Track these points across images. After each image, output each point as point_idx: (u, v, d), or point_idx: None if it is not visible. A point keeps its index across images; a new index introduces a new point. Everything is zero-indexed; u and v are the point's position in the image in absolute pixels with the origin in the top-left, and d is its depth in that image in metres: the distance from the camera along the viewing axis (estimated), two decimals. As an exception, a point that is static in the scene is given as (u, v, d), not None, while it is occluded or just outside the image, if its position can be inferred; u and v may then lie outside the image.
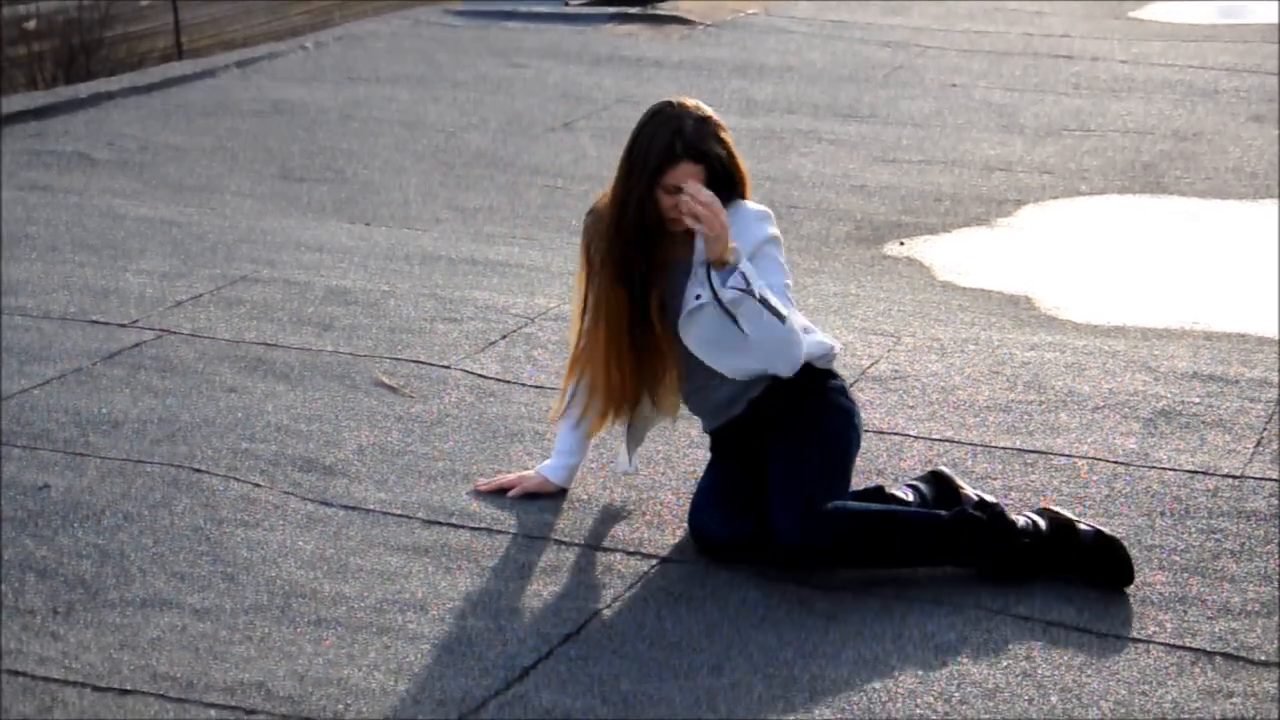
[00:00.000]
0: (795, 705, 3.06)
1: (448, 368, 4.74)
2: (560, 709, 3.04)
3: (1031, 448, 4.16)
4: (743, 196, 3.63)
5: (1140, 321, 5.55)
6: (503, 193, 7.38)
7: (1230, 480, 3.94)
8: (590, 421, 3.77)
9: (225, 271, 5.64)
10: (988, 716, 3.02)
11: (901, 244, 6.59)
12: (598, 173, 7.71)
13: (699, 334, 3.57)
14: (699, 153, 3.51)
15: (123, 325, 5.01)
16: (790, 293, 3.58)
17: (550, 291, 5.59)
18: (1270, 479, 3.93)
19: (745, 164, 3.64)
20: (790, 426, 3.58)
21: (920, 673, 3.16)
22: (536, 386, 4.60)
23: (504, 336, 4.99)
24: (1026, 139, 8.26)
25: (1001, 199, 7.22)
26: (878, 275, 6.10)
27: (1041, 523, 3.48)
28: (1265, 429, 4.24)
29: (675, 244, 3.60)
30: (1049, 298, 5.85)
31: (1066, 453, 4.12)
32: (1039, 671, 3.17)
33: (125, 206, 6.82)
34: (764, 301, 3.43)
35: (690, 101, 3.57)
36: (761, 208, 3.65)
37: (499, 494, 3.88)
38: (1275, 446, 4.13)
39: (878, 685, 3.12)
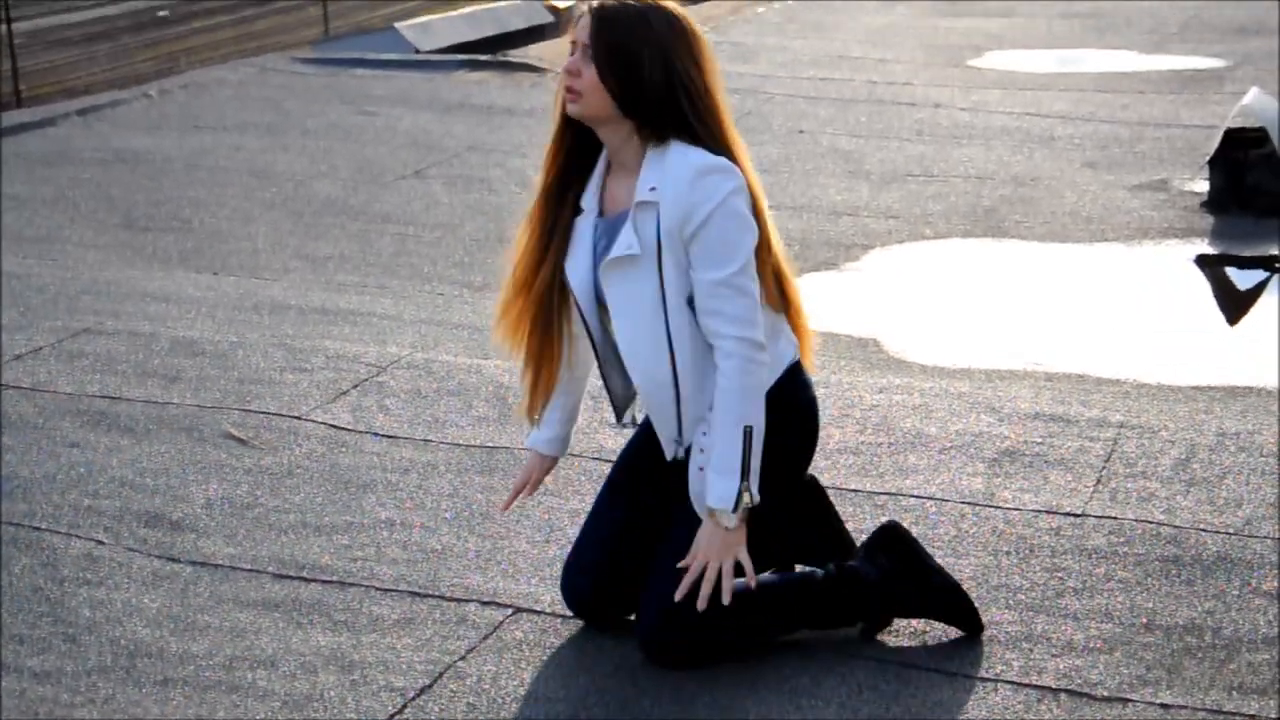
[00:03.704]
0: (652, 753, 3.05)
1: (298, 418, 4.68)
2: (415, 764, 3.01)
3: (882, 489, 4.22)
4: (689, 133, 3.03)
5: (984, 363, 5.67)
6: (353, 241, 7.33)
7: (1072, 518, 4.03)
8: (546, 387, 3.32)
9: (67, 324, 5.51)
10: (842, 758, 3.05)
11: (752, 289, 6.66)
12: (449, 220, 7.69)
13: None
14: (601, 4, 3.02)
15: (-41, 380, 4.88)
16: (744, 275, 3.05)
17: (402, 340, 5.55)
18: (1109, 517, 4.04)
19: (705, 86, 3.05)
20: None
21: (775, 717, 3.18)
22: (389, 436, 4.56)
23: (355, 386, 4.95)
24: (872, 184, 8.42)
25: (849, 243, 7.35)
26: (729, 320, 6.15)
27: (887, 564, 3.44)
28: (1104, 467, 4.35)
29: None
30: (896, 340, 5.95)
31: (915, 494, 4.19)
32: (891, 713, 3.20)
33: (-39, 257, 6.64)
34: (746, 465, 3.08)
35: None
36: (712, 160, 3.03)
37: (518, 496, 3.54)
38: (1113, 485, 4.24)
39: (733, 730, 3.13)
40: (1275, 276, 6.84)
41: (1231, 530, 3.94)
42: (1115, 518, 4.03)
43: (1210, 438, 4.54)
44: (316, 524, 3.99)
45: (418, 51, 12.80)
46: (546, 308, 3.21)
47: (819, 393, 4.92)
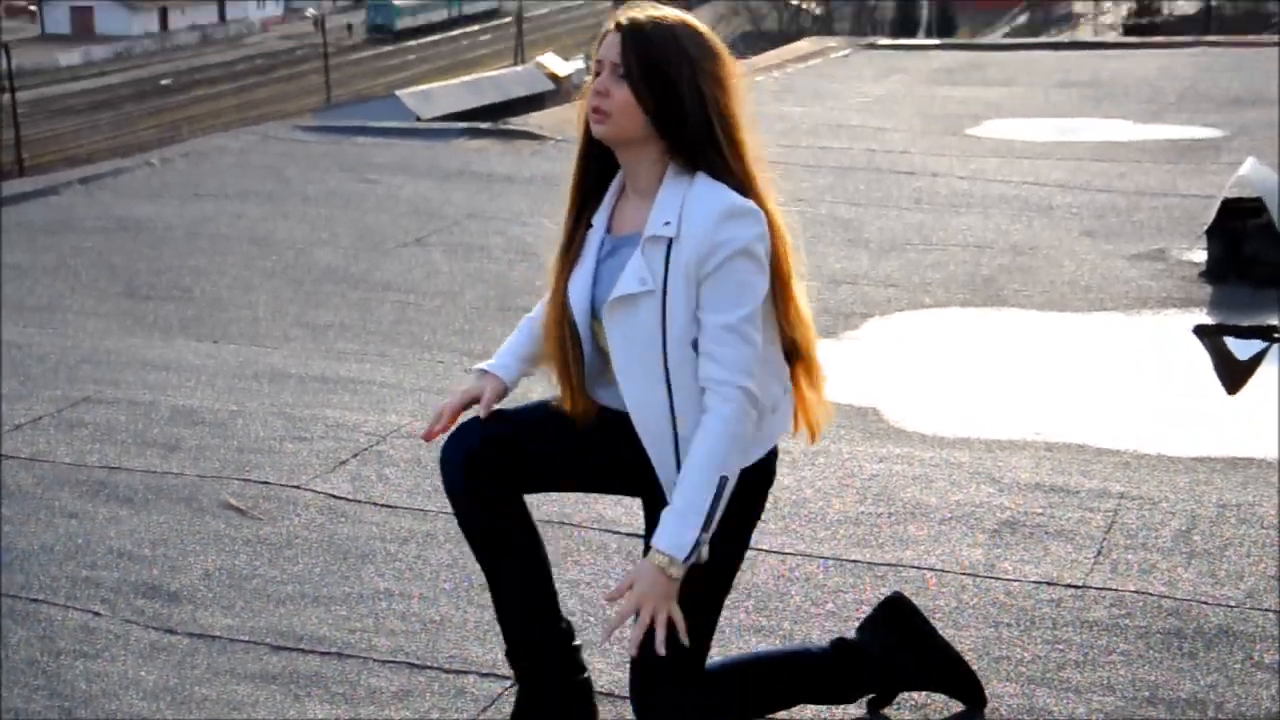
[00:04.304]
0: (651, 829, 3.02)
1: (298, 488, 4.67)
2: (412, 840, 2.98)
3: (882, 560, 4.21)
4: (722, 167, 3.00)
5: (984, 433, 5.67)
6: (354, 309, 7.34)
7: (1073, 590, 4.02)
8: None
9: (67, 393, 5.52)
10: (843, 834, 3.02)
11: (751, 358, 6.66)
12: (449, 288, 7.71)
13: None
14: (631, 21, 2.93)
15: (-42, 449, 4.88)
16: (750, 323, 2.98)
17: (402, 408, 5.55)
18: (1110, 589, 4.02)
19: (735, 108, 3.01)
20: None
21: (776, 791, 3.16)
22: (388, 506, 4.56)
23: (355, 455, 4.94)
24: (871, 253, 8.44)
25: (848, 312, 7.36)
26: (728, 389, 6.16)
27: (888, 637, 3.40)
28: (1105, 539, 4.34)
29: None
30: (895, 410, 5.95)
31: (915, 564, 4.18)
32: (893, 787, 3.18)
33: (-38, 325, 6.66)
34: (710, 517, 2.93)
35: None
36: (739, 203, 2.99)
37: (437, 425, 3.27)
38: (1114, 556, 4.23)
39: (733, 806, 3.10)
40: (1274, 346, 6.85)
41: (1233, 603, 3.93)
42: (1116, 589, 4.01)
43: (1211, 509, 4.53)
44: (315, 595, 3.97)
45: (419, 119, 12.89)
46: (561, 324, 3.15)
47: (819, 461, 4.93)
